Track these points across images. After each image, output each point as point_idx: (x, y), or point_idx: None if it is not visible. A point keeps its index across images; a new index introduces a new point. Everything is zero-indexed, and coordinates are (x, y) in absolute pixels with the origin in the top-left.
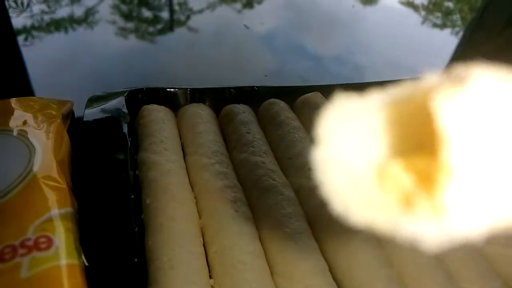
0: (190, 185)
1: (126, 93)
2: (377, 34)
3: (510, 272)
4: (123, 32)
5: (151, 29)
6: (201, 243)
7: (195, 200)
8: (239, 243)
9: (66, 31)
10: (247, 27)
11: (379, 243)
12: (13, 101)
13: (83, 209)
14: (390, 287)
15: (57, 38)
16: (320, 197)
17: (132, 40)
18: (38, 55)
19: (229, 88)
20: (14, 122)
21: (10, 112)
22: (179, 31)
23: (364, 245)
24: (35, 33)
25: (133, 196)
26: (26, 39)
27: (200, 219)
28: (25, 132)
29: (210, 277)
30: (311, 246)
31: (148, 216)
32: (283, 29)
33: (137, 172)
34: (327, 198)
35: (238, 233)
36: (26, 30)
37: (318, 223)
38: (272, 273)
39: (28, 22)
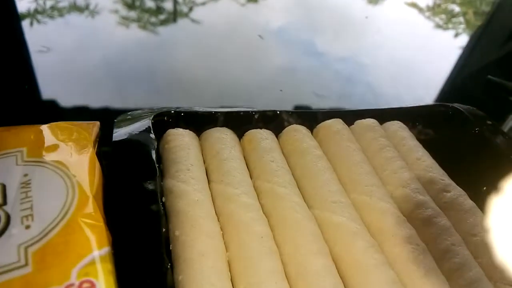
0: (216, 215)
1: (152, 116)
2: (382, 34)
3: None
4: (125, 21)
5: (153, 19)
6: (228, 278)
7: (221, 232)
8: (266, 281)
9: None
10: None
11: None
12: (45, 128)
13: (116, 243)
14: None
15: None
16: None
17: (135, 30)
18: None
19: (252, 111)
20: (48, 154)
21: (42, 141)
22: (182, 23)
23: (388, 285)
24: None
25: (164, 230)
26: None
27: (227, 252)
28: (61, 163)
29: None
30: (336, 284)
31: (178, 249)
32: (288, 25)
33: (163, 199)
34: None
35: (265, 271)
36: (30, 15)
37: (343, 261)
38: None
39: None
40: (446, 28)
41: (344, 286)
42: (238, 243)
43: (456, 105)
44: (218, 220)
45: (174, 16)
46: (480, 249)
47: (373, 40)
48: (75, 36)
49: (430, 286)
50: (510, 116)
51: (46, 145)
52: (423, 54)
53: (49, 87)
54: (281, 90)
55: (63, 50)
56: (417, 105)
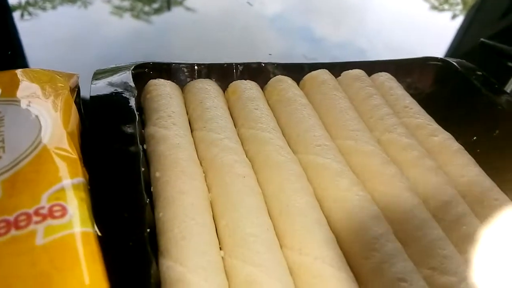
0: (199, 160)
1: (132, 67)
2: (378, 16)
3: None
4: (118, 11)
5: (147, 8)
6: (210, 216)
7: (204, 175)
8: (248, 216)
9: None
10: (250, 4)
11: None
12: (19, 72)
13: (94, 182)
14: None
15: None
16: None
17: (128, 19)
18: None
19: (236, 64)
20: (22, 93)
21: (17, 83)
22: (176, 11)
23: (371, 220)
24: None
25: (143, 169)
26: (22, 15)
27: (209, 193)
28: (34, 103)
29: (220, 248)
30: (320, 219)
31: (158, 189)
32: (284, 10)
33: (145, 146)
34: None
35: (247, 207)
36: (21, 7)
37: (326, 199)
38: (281, 246)
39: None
40: (442, 10)
41: (328, 222)
42: (220, 184)
43: (445, 58)
44: (201, 165)
45: (168, 4)
46: (467, 189)
47: (371, 24)
48: (68, 27)
49: (416, 221)
50: (510, 80)
51: (20, 86)
52: (420, 37)
53: None
54: (270, 54)
55: (55, 40)
56: (407, 58)
